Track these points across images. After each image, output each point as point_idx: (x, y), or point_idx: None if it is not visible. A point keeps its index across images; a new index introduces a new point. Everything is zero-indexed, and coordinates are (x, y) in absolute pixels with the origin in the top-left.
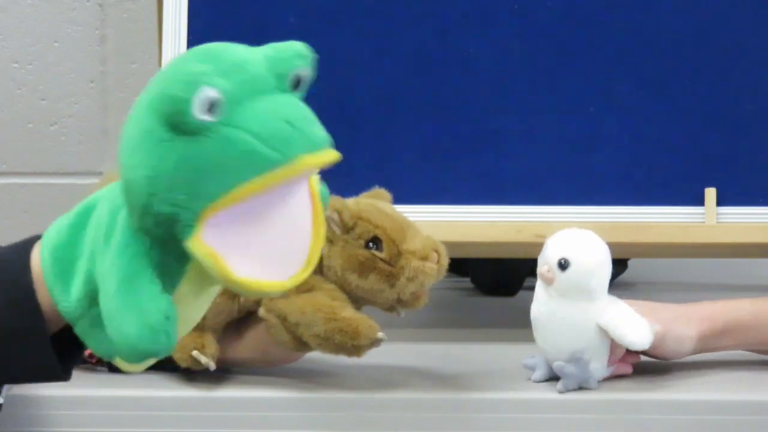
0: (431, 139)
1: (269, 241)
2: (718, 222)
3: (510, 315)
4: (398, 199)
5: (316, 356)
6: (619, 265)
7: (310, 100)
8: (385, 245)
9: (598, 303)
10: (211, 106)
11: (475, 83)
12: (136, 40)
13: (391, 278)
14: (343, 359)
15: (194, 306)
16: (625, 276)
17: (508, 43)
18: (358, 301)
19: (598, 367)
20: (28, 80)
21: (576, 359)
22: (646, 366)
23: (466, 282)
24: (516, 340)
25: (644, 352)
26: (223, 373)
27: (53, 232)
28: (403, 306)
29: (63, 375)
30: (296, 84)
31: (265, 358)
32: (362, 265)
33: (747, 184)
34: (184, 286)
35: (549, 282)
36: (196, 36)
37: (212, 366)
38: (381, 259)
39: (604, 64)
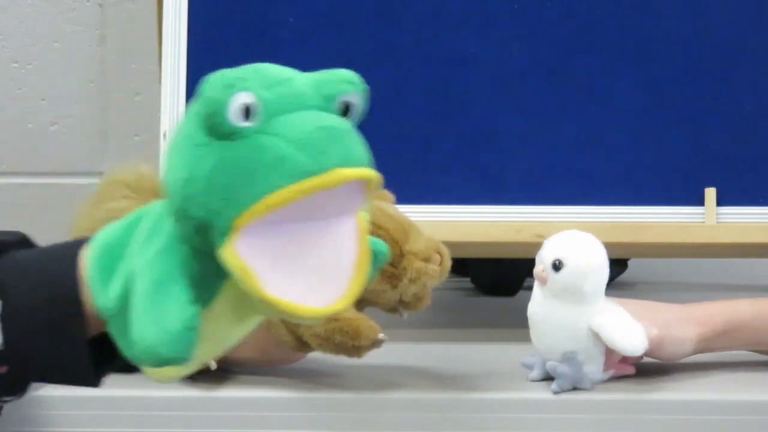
0: (431, 139)
1: (307, 266)
2: (718, 222)
3: (510, 315)
4: (398, 199)
5: (317, 356)
6: (619, 265)
7: None
8: (387, 246)
9: (592, 306)
10: (248, 112)
11: (475, 83)
12: (136, 40)
13: (393, 279)
14: (343, 359)
15: (229, 329)
16: (625, 276)
17: (508, 43)
18: (360, 301)
19: (593, 370)
20: (28, 80)
21: (569, 359)
22: (646, 366)
23: (466, 282)
24: (516, 340)
25: (646, 354)
26: (223, 373)
27: (106, 230)
28: (406, 307)
29: (93, 380)
30: (345, 110)
31: (266, 358)
32: None
33: (747, 184)
34: (221, 304)
35: (543, 282)
36: (196, 36)
37: (213, 365)
38: None
39: (604, 64)
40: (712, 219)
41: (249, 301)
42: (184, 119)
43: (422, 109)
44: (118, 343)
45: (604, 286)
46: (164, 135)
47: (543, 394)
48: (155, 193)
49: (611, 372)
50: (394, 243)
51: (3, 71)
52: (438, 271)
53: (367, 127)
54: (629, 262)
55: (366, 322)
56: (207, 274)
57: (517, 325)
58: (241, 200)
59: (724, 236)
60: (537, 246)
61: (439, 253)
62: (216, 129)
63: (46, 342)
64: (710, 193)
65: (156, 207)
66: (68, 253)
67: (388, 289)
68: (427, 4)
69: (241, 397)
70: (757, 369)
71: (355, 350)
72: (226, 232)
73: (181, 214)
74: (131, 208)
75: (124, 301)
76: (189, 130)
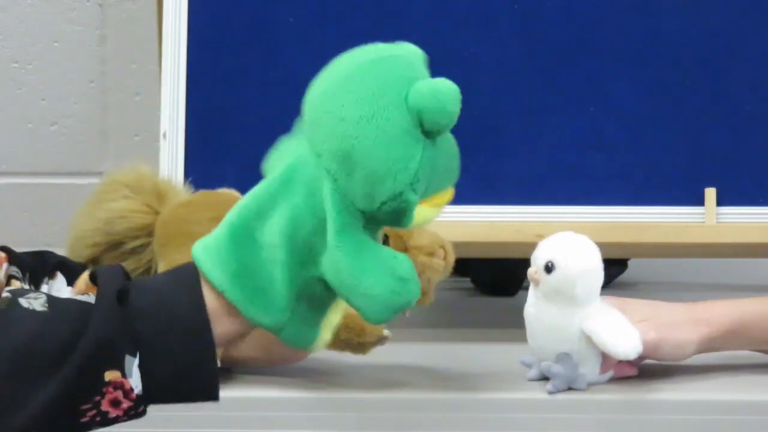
0: None
1: None
2: (718, 222)
3: (510, 315)
4: None
5: (318, 356)
6: (619, 265)
7: None
8: (391, 241)
9: (584, 309)
10: None
11: (475, 83)
12: (136, 40)
13: None
14: (343, 358)
15: None
16: (625, 276)
17: (508, 43)
18: None
19: (588, 372)
20: (28, 80)
21: (563, 359)
22: (646, 366)
23: (466, 282)
24: (516, 340)
25: (645, 357)
26: (224, 372)
27: (218, 263)
28: None
29: (217, 395)
30: None
31: (269, 356)
32: None
33: (747, 184)
34: None
35: (536, 283)
36: (196, 36)
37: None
38: None
39: (604, 64)
40: (712, 219)
41: None
42: (386, 111)
43: None
44: (293, 343)
45: (597, 288)
46: (164, 135)
47: (542, 394)
48: (155, 193)
49: (610, 373)
50: (398, 238)
51: (3, 71)
52: (442, 265)
53: None
54: (629, 262)
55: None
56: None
57: (517, 325)
58: (433, 190)
59: (724, 236)
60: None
61: (442, 248)
62: (436, 132)
63: (182, 381)
64: (710, 193)
65: (262, 212)
66: (187, 286)
67: None
68: (427, 4)
69: (241, 397)
70: (758, 369)
71: (360, 347)
72: (413, 214)
73: (393, 197)
74: (131, 208)
75: (296, 301)
76: (406, 125)
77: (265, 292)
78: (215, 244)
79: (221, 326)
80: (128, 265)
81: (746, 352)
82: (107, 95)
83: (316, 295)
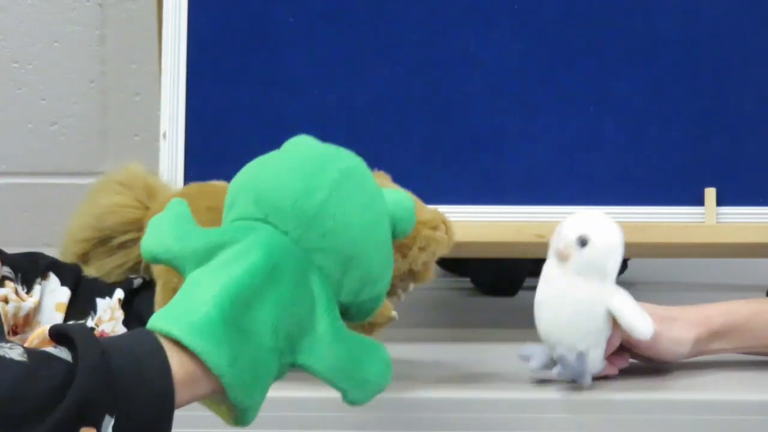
0: (431, 139)
1: None
2: (718, 222)
3: (510, 315)
4: None
5: None
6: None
7: (311, 100)
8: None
9: (610, 287)
10: None
11: (475, 83)
12: (136, 40)
13: (403, 248)
14: None
15: None
16: (625, 276)
17: (508, 43)
18: None
19: (597, 357)
20: (28, 80)
21: (578, 353)
22: (643, 365)
23: (466, 282)
24: (516, 340)
25: (639, 355)
26: None
27: (217, 350)
28: (413, 279)
29: None
30: None
31: None
32: None
33: (747, 184)
34: None
35: (565, 258)
36: (196, 36)
37: None
38: None
39: (604, 64)
40: (712, 219)
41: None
42: (378, 223)
43: (422, 109)
44: (251, 417)
45: (619, 266)
46: (164, 135)
47: (542, 394)
48: (145, 188)
49: (604, 364)
50: None
51: (3, 71)
52: (446, 238)
53: (367, 128)
54: (629, 262)
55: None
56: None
57: (517, 325)
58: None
59: (724, 236)
60: (537, 246)
61: (444, 222)
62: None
63: None
64: (710, 193)
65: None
66: (154, 352)
67: (398, 259)
68: (427, 4)
69: None
70: (757, 369)
71: (370, 327)
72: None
73: (375, 297)
74: (121, 203)
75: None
76: (387, 236)
77: (255, 379)
78: (206, 328)
79: (183, 395)
80: (117, 260)
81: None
82: (107, 95)
83: (278, 378)
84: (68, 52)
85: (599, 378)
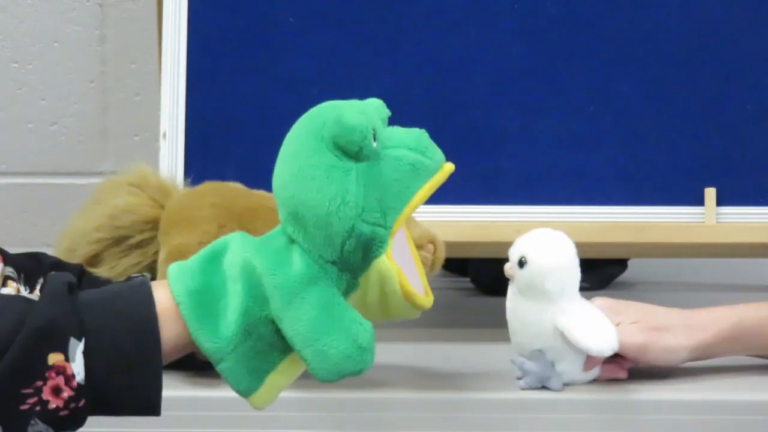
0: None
1: (408, 265)
2: (718, 222)
3: None
4: None
5: None
6: (619, 265)
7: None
8: None
9: (558, 304)
10: (374, 135)
11: (475, 83)
12: (136, 40)
13: None
14: None
15: None
16: (625, 276)
17: (508, 43)
18: None
19: (568, 369)
20: (28, 80)
21: (536, 356)
22: (645, 366)
23: (466, 282)
24: None
25: (633, 360)
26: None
27: (183, 278)
28: None
29: (158, 409)
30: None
31: None
32: None
33: (747, 184)
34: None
35: (511, 279)
36: (196, 36)
37: None
38: None
39: (604, 64)
40: (712, 219)
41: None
42: (307, 154)
43: (422, 109)
44: (229, 379)
45: (572, 284)
46: (164, 135)
47: (543, 394)
48: (160, 188)
49: (596, 371)
50: None
51: (3, 71)
52: (429, 259)
53: None
54: (629, 262)
55: None
56: (346, 290)
57: None
58: (395, 207)
59: (724, 236)
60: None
61: (432, 243)
62: (360, 153)
63: (124, 376)
64: (710, 193)
65: (237, 245)
66: (140, 291)
67: None
68: (427, 4)
69: None
70: (757, 369)
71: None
72: (386, 240)
73: (348, 235)
74: (137, 202)
75: (243, 336)
76: (329, 161)
77: (216, 317)
78: (189, 263)
79: (168, 330)
80: (132, 259)
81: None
82: (107, 95)
83: (263, 337)
84: (68, 52)
85: (608, 380)
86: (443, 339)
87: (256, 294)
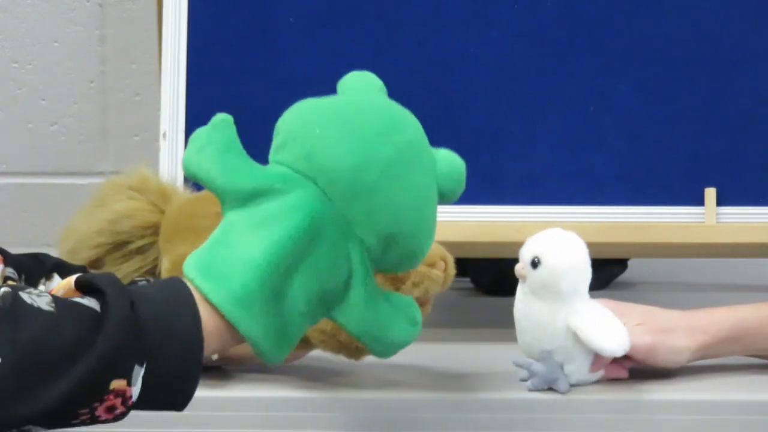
0: (431, 139)
1: None
2: (718, 222)
3: (510, 315)
4: None
5: (317, 356)
6: (619, 265)
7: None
8: None
9: (570, 305)
10: None
11: (475, 83)
12: (136, 40)
13: (396, 282)
14: (342, 358)
15: None
16: (625, 276)
17: (508, 43)
18: None
19: (576, 370)
20: (28, 80)
21: (544, 357)
22: (640, 367)
23: (466, 282)
24: (516, 340)
25: (639, 361)
26: (224, 373)
27: (254, 319)
28: None
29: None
30: None
31: None
32: None
33: (747, 184)
34: None
35: (522, 279)
36: (196, 36)
37: (214, 356)
38: None
39: (604, 64)
40: (712, 219)
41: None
42: (426, 185)
43: (422, 109)
44: (277, 358)
45: (584, 284)
46: (164, 135)
47: (542, 394)
48: (160, 192)
49: (601, 372)
50: None
51: (3, 71)
52: (441, 277)
53: None
54: (629, 262)
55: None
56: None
57: None
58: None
59: (724, 236)
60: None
61: (443, 260)
62: (447, 198)
63: (165, 391)
64: (710, 193)
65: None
66: (188, 310)
67: (390, 290)
68: (427, 4)
69: (242, 397)
70: (757, 370)
71: (357, 352)
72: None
73: (421, 257)
74: (137, 207)
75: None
76: (434, 190)
77: (286, 338)
78: (244, 298)
79: (208, 346)
80: (133, 264)
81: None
82: (107, 95)
83: (307, 328)
84: (68, 52)
85: (609, 379)
86: (443, 339)
87: (316, 311)
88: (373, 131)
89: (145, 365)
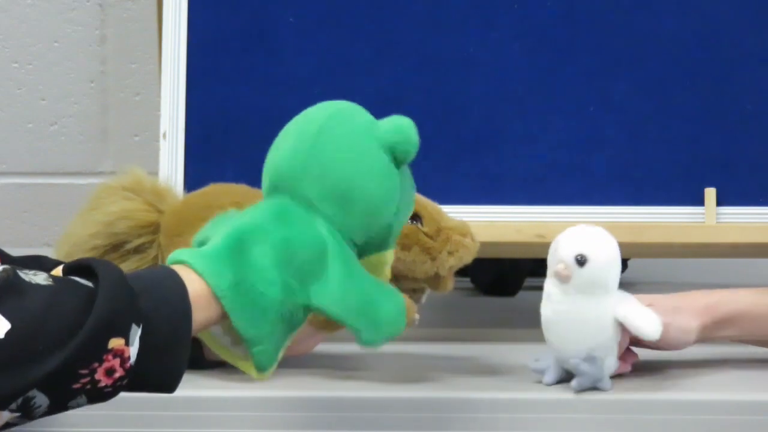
0: (431, 140)
1: None
2: (718, 222)
3: (510, 315)
4: None
5: (317, 356)
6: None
7: (311, 100)
8: (426, 221)
9: (614, 296)
10: None
11: (475, 84)
12: (136, 40)
13: (432, 251)
14: (343, 357)
15: None
16: (625, 276)
17: (508, 43)
18: (396, 274)
19: (612, 363)
20: (28, 80)
21: (591, 358)
22: (645, 366)
23: (466, 282)
24: (516, 340)
25: (648, 344)
26: (224, 373)
27: (219, 273)
28: (436, 284)
29: (175, 389)
30: None
31: None
32: (406, 237)
33: (747, 184)
34: None
35: (566, 280)
36: (196, 36)
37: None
38: (424, 233)
39: (604, 64)
40: (712, 219)
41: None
42: (370, 151)
43: (422, 109)
44: (264, 357)
45: (619, 276)
46: (164, 135)
47: (543, 394)
48: (155, 192)
49: (618, 364)
50: (432, 219)
51: (3, 71)
52: (475, 245)
53: None
54: (629, 262)
55: (405, 300)
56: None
57: (518, 325)
58: (410, 209)
59: (724, 236)
60: (537, 246)
61: (469, 232)
62: (404, 162)
63: (161, 358)
64: (710, 193)
65: (265, 233)
66: (174, 280)
67: (427, 261)
68: (427, 4)
69: (242, 397)
70: (757, 369)
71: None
72: (398, 235)
73: (387, 227)
74: (132, 208)
75: (281, 322)
76: (386, 161)
77: (256, 306)
78: (213, 254)
79: (198, 316)
80: (131, 264)
81: (745, 350)
82: (107, 95)
83: (294, 322)
84: (68, 52)
85: (613, 376)
86: (443, 339)
87: (292, 284)
88: (302, 121)
89: (141, 326)
